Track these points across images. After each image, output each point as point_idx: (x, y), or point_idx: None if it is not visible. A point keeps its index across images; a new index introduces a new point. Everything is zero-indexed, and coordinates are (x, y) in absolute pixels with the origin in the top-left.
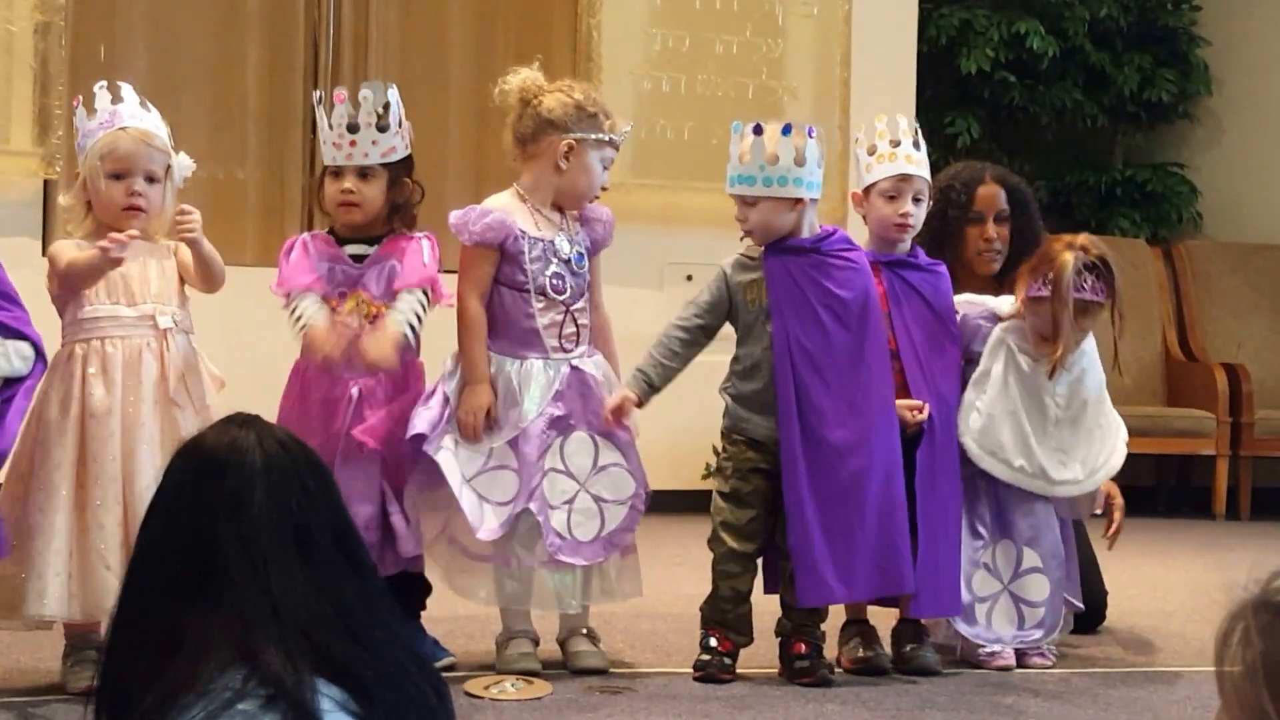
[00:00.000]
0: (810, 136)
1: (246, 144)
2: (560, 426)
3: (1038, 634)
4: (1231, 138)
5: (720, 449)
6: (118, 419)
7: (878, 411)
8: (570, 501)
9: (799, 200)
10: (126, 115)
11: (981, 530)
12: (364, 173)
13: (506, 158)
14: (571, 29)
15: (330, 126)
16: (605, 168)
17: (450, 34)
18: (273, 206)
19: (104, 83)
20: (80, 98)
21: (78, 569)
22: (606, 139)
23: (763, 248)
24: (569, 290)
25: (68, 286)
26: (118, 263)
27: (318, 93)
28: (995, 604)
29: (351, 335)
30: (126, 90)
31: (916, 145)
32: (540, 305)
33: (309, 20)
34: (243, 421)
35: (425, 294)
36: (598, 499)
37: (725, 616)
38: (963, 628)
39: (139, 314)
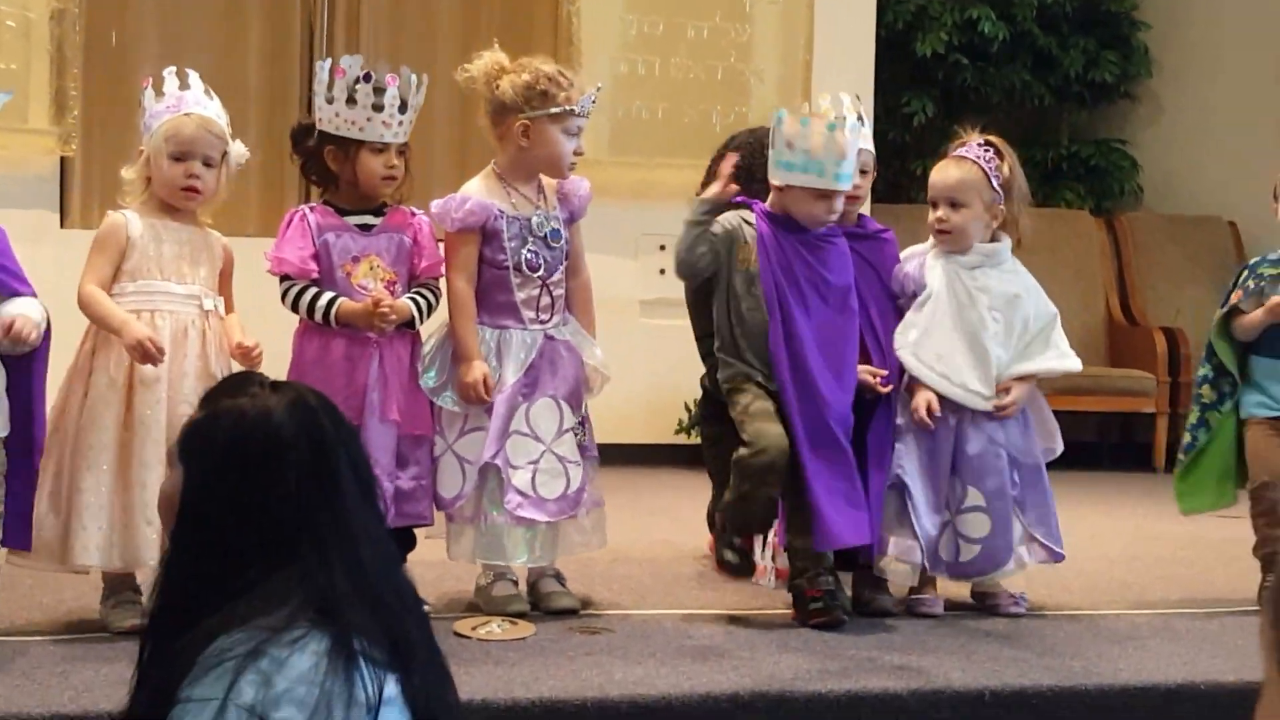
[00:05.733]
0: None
1: (248, 122)
2: (528, 393)
3: (970, 570)
4: (1170, 116)
5: (730, 401)
6: (165, 387)
7: (847, 376)
8: (535, 462)
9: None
10: (191, 102)
11: (942, 472)
12: (401, 149)
13: (488, 138)
14: (553, 15)
15: (382, 106)
16: (573, 135)
17: (438, 18)
18: (273, 180)
19: (173, 69)
20: (150, 79)
21: (119, 522)
22: (561, 111)
23: (753, 217)
24: (543, 266)
25: (84, 310)
26: (148, 357)
27: (358, 67)
28: (942, 535)
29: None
30: (194, 78)
31: (860, 120)
32: (518, 281)
33: (305, 4)
34: (261, 383)
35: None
36: (562, 459)
37: (754, 522)
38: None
39: (187, 293)
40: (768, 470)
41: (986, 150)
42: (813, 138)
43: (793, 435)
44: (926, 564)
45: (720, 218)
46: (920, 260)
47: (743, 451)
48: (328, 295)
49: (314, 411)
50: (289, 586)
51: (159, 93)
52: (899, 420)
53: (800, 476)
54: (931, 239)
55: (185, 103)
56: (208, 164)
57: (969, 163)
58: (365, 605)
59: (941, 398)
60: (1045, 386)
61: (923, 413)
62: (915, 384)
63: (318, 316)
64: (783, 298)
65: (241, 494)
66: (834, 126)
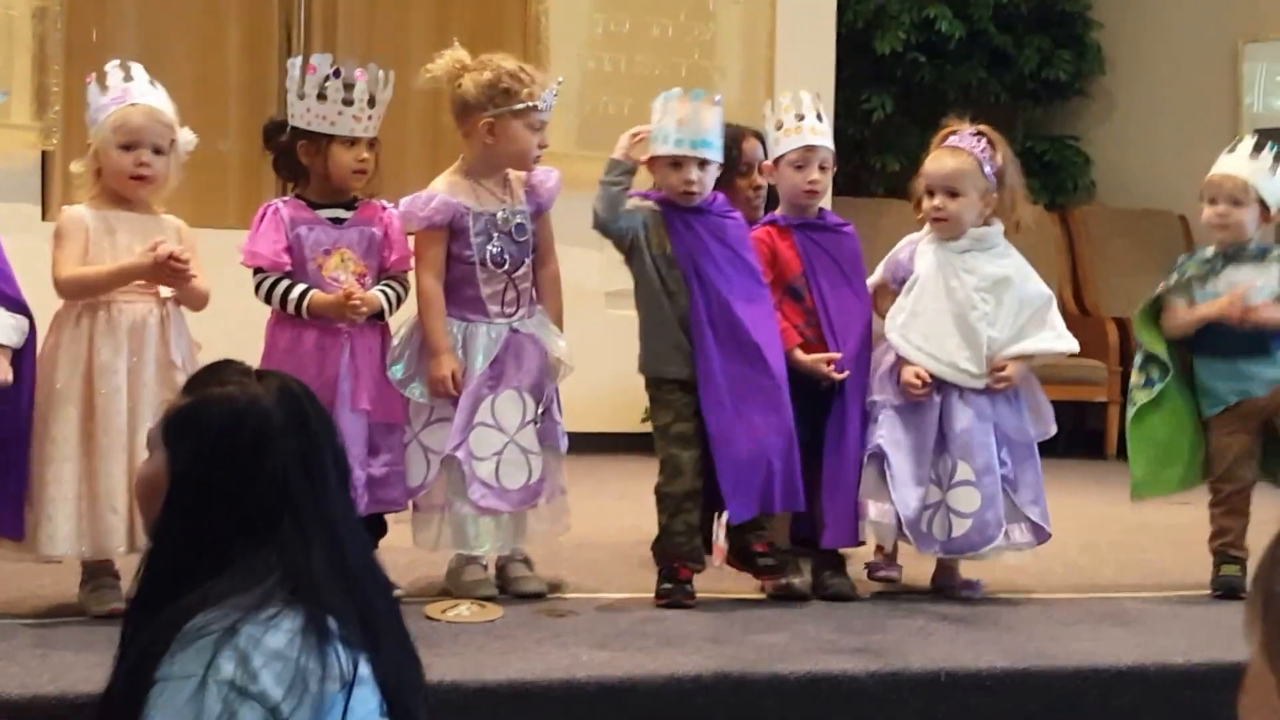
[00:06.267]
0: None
1: (227, 118)
2: (493, 385)
3: (963, 546)
4: (1122, 113)
5: (651, 403)
6: (123, 376)
7: (767, 346)
8: (499, 453)
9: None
10: (137, 92)
11: (926, 446)
12: (371, 143)
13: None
14: (522, 14)
15: (352, 101)
16: (537, 129)
17: (411, 17)
18: (251, 174)
19: (116, 62)
20: (94, 75)
21: (87, 511)
22: (525, 107)
23: (655, 202)
24: (509, 260)
25: (77, 293)
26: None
27: (329, 64)
28: (935, 513)
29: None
30: (137, 70)
31: (819, 118)
32: (484, 276)
33: (282, 4)
34: (244, 370)
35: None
36: (525, 450)
37: (682, 549)
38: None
39: (144, 284)
40: (683, 498)
41: (979, 140)
42: (678, 109)
43: (712, 411)
44: (908, 535)
45: (633, 203)
46: (912, 248)
47: (658, 479)
48: (300, 287)
49: (299, 399)
50: (267, 564)
51: (103, 86)
52: (877, 397)
53: (722, 454)
54: (927, 227)
55: (131, 93)
56: (157, 151)
57: (963, 152)
58: (339, 586)
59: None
60: None
61: (911, 377)
62: (903, 362)
63: (290, 308)
64: (701, 272)
65: (230, 479)
66: (699, 96)
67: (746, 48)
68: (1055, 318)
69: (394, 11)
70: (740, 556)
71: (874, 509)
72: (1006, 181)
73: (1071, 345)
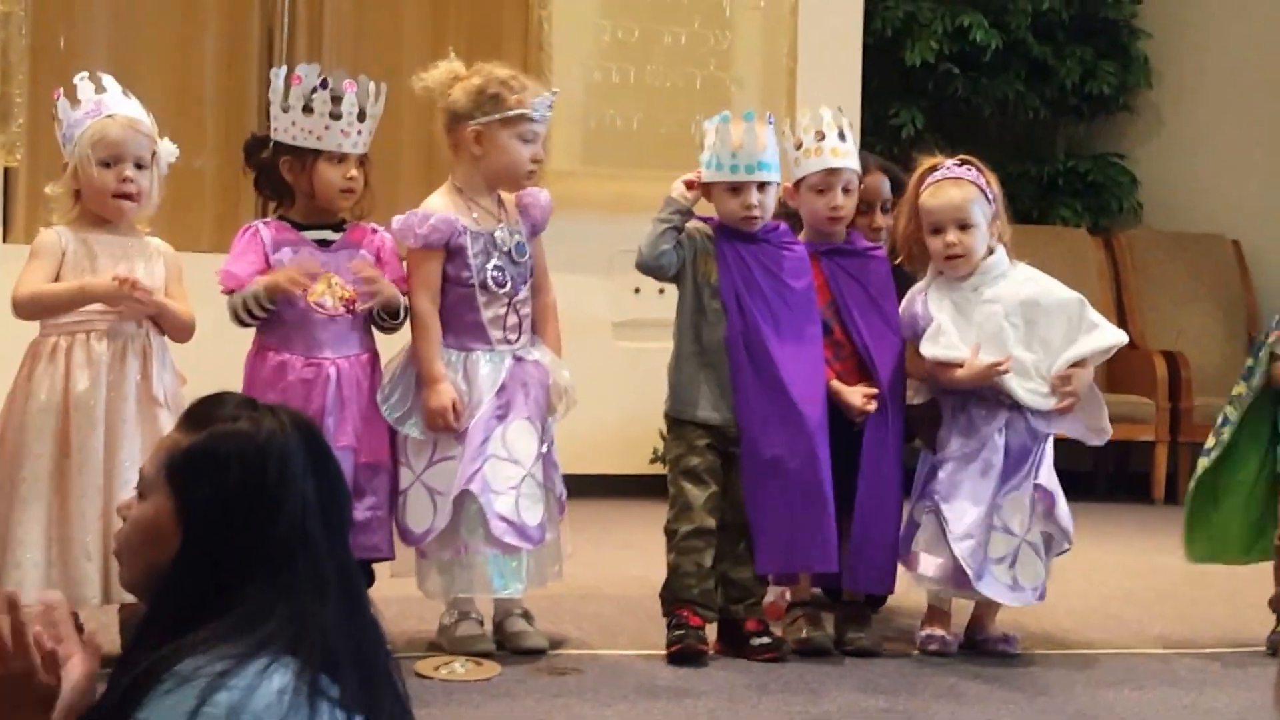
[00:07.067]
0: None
1: (203, 132)
2: (501, 415)
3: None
4: (1171, 129)
5: (669, 438)
6: (102, 410)
7: (799, 386)
8: (517, 486)
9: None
10: (112, 103)
11: (990, 491)
12: (361, 160)
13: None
14: (523, 20)
15: (340, 114)
16: (528, 141)
17: (404, 23)
18: (228, 193)
19: (85, 74)
20: (60, 90)
21: (58, 558)
22: (514, 115)
23: (711, 229)
24: (509, 282)
25: (34, 312)
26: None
27: (316, 74)
28: (1017, 557)
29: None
30: (108, 80)
31: (842, 136)
32: (484, 299)
33: (264, 10)
34: (248, 403)
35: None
36: (540, 484)
37: (691, 593)
38: (990, 592)
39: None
40: (692, 536)
41: (969, 169)
42: (732, 133)
43: (747, 453)
44: (956, 585)
45: (690, 226)
46: (923, 297)
47: (668, 515)
48: (251, 287)
49: (316, 436)
50: (271, 610)
51: (74, 100)
52: (956, 450)
53: (751, 500)
54: (930, 271)
55: (105, 105)
56: (139, 165)
57: (966, 182)
58: (348, 638)
59: (987, 401)
60: None
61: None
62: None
63: (255, 306)
64: (743, 304)
65: (251, 522)
66: (750, 117)
67: (766, 58)
68: (1094, 314)
69: (385, 19)
70: (728, 636)
71: (926, 562)
72: (1000, 206)
73: (1121, 335)
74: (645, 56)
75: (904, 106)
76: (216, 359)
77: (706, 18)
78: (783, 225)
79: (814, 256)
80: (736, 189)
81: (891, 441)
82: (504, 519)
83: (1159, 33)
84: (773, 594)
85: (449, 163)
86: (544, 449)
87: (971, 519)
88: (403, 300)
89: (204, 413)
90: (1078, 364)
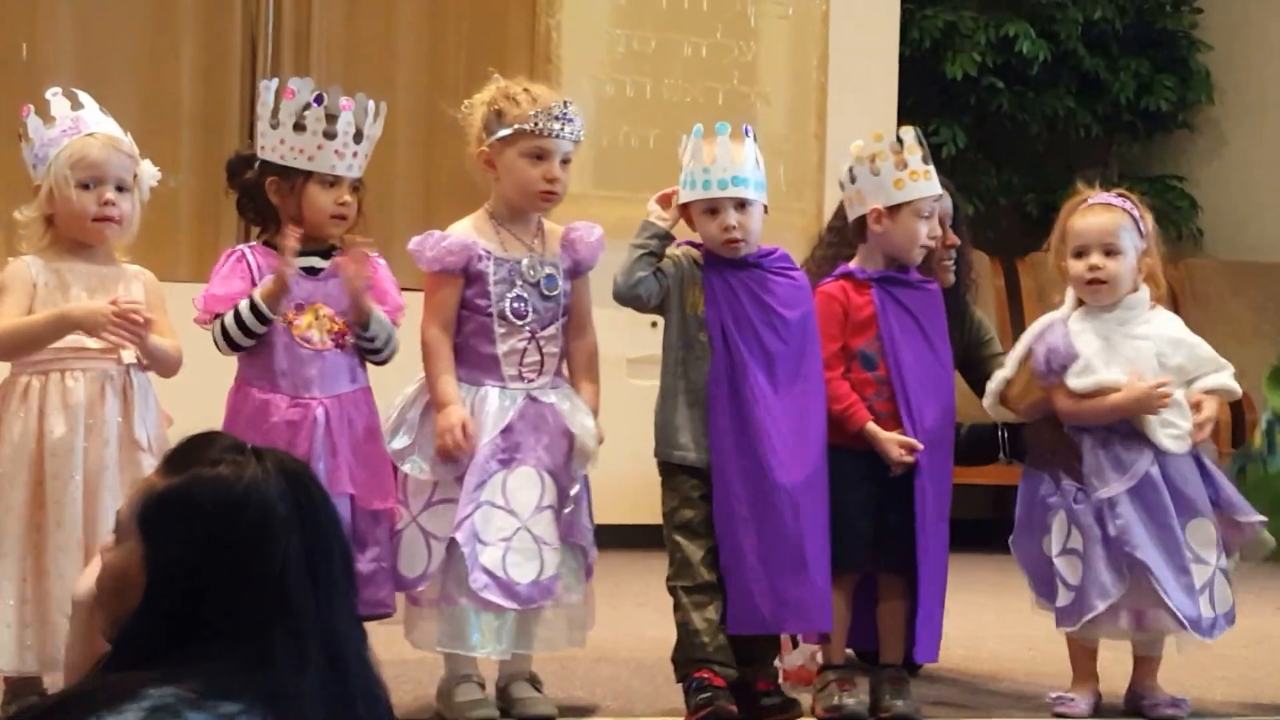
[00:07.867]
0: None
1: (179, 150)
2: (505, 459)
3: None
4: (1234, 149)
5: (663, 486)
6: (80, 458)
7: (777, 433)
8: (508, 539)
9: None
10: (91, 120)
11: (1173, 524)
12: (355, 185)
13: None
14: (529, 29)
15: (335, 134)
16: (539, 159)
17: (399, 34)
18: (206, 216)
19: (58, 89)
20: (30, 106)
21: (34, 619)
22: (512, 132)
23: (700, 256)
24: (532, 315)
25: (9, 350)
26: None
27: (310, 89)
28: (1212, 587)
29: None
30: (85, 96)
31: (925, 160)
32: (502, 331)
33: (246, 18)
34: (236, 446)
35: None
36: (538, 539)
37: (706, 651)
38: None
39: (103, 346)
40: (697, 591)
41: (1125, 200)
42: (705, 148)
43: (717, 504)
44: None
45: (674, 252)
46: (1062, 329)
47: (668, 572)
48: (244, 302)
49: (306, 484)
50: (236, 682)
51: (47, 118)
52: (1117, 485)
53: (724, 554)
54: (1069, 299)
55: (84, 122)
56: (121, 188)
57: (1116, 208)
58: (331, 711)
59: (1129, 438)
60: None
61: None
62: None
63: (248, 323)
64: (729, 337)
65: (221, 578)
66: (724, 129)
67: (794, 71)
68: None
69: (380, 29)
70: (739, 698)
71: (1150, 617)
72: (1154, 246)
73: (1237, 388)
74: (663, 69)
75: (944, 123)
76: (199, 396)
77: (730, 27)
78: (780, 250)
79: (867, 285)
80: (715, 210)
81: (935, 492)
82: (487, 572)
83: (1221, 44)
84: (802, 655)
85: (453, 190)
86: (552, 503)
87: (1173, 563)
88: (376, 312)
89: (188, 454)
90: (1210, 391)
